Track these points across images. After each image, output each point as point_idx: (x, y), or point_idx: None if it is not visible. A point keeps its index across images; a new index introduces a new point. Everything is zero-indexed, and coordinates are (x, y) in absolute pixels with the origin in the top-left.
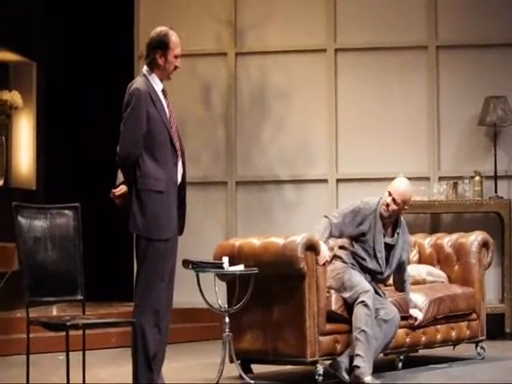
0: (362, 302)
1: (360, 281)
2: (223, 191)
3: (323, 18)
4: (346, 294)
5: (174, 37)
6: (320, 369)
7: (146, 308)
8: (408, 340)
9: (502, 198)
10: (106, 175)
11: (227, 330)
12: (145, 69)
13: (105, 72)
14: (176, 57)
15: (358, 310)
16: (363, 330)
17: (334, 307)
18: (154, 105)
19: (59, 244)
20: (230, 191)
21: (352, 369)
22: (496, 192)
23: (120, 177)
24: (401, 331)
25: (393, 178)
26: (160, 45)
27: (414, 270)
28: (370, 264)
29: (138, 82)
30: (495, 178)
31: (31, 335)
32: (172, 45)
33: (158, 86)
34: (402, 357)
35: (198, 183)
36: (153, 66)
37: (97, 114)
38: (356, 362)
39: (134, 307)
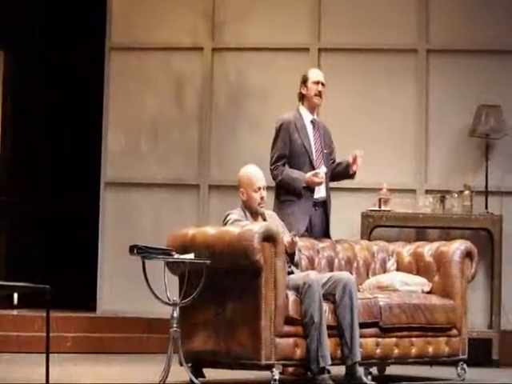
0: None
1: (298, 277)
2: (195, 195)
3: (307, 15)
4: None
5: None
6: (276, 374)
7: None
8: (378, 351)
9: (492, 214)
10: (73, 169)
11: (175, 325)
12: None
13: (76, 62)
14: None
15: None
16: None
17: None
18: None
19: None
20: (203, 195)
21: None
22: (486, 208)
23: None
24: (370, 340)
25: (377, 189)
26: None
27: (386, 279)
28: None
29: None
30: (486, 193)
31: None
32: None
33: None
34: (370, 370)
35: (169, 185)
36: None
37: (66, 105)
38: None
39: None
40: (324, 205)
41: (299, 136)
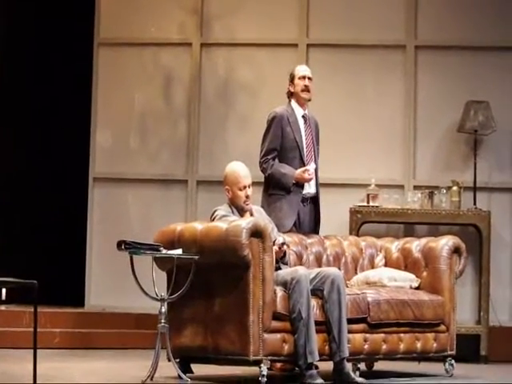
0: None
1: (286, 272)
2: (183, 190)
3: (296, 11)
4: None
5: None
6: (264, 369)
7: None
8: (366, 347)
9: (480, 209)
10: (62, 164)
11: (163, 320)
12: None
13: (64, 58)
14: None
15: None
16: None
17: (279, 308)
18: None
19: None
20: (191, 191)
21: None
22: (475, 204)
23: None
24: (358, 336)
25: (365, 185)
26: None
27: (374, 274)
28: None
29: None
30: (474, 189)
31: None
32: None
33: None
34: (359, 365)
35: (157, 181)
36: None
37: (55, 101)
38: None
39: None
40: (314, 201)
41: (291, 130)
